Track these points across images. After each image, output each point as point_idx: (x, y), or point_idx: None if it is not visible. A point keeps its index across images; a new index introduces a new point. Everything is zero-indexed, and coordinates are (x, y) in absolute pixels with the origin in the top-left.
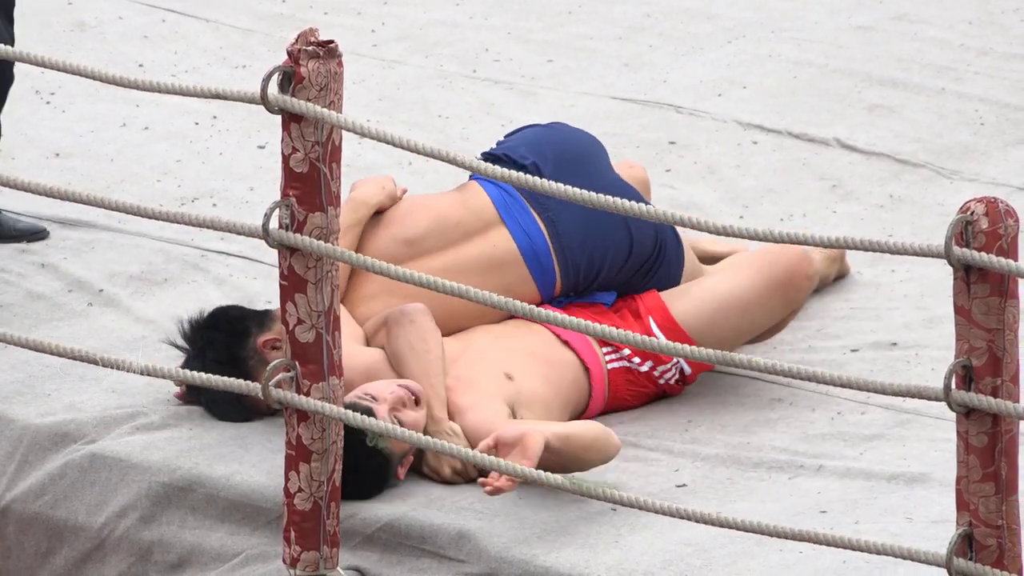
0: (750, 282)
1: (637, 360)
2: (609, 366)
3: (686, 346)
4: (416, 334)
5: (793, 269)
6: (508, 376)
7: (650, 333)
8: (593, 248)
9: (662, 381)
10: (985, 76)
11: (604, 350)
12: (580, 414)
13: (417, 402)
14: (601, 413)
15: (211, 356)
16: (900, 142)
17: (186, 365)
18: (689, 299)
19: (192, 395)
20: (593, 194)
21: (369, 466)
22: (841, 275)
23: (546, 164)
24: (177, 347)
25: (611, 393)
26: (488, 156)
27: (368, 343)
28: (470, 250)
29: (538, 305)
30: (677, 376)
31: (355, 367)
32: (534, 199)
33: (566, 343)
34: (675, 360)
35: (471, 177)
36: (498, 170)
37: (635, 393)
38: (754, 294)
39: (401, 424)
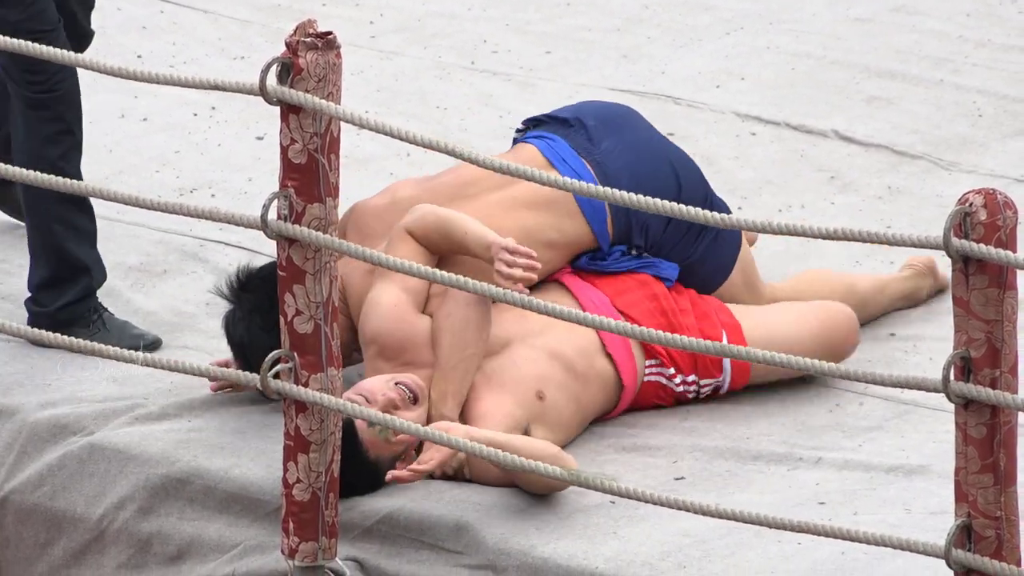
0: (810, 335)
1: (678, 380)
2: (646, 378)
3: (737, 347)
4: (463, 322)
5: (848, 339)
6: (539, 396)
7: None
8: (642, 189)
9: (691, 395)
10: (983, 68)
11: (648, 362)
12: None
13: (416, 400)
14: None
15: (257, 322)
16: (898, 133)
17: (229, 323)
18: (756, 327)
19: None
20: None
21: (359, 479)
22: (939, 288)
23: (589, 119)
24: (222, 295)
25: (633, 403)
26: (531, 119)
27: (427, 303)
28: (523, 187)
29: (596, 254)
30: (710, 391)
31: (393, 333)
32: (581, 147)
33: (608, 354)
34: (720, 378)
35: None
36: (499, 162)
37: (653, 402)
38: (807, 347)
39: None
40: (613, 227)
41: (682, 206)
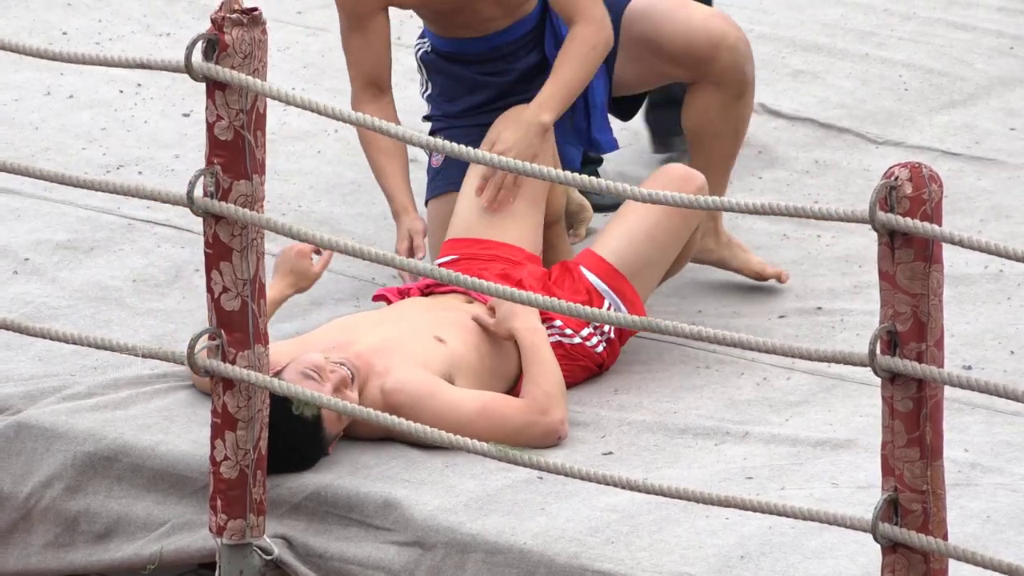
0: (652, 210)
1: (570, 331)
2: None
3: (611, 313)
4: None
5: (682, 188)
6: (439, 339)
7: (587, 284)
8: None
9: (600, 346)
10: (909, 41)
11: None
12: (512, 388)
13: (352, 381)
14: None
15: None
16: (825, 108)
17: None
18: (610, 239)
19: None
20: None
21: (301, 435)
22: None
23: None
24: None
25: None
26: None
27: None
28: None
29: None
30: (605, 344)
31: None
32: None
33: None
34: (609, 305)
35: None
36: (425, 138)
37: (570, 368)
38: (659, 220)
39: None
40: None
41: (606, 182)
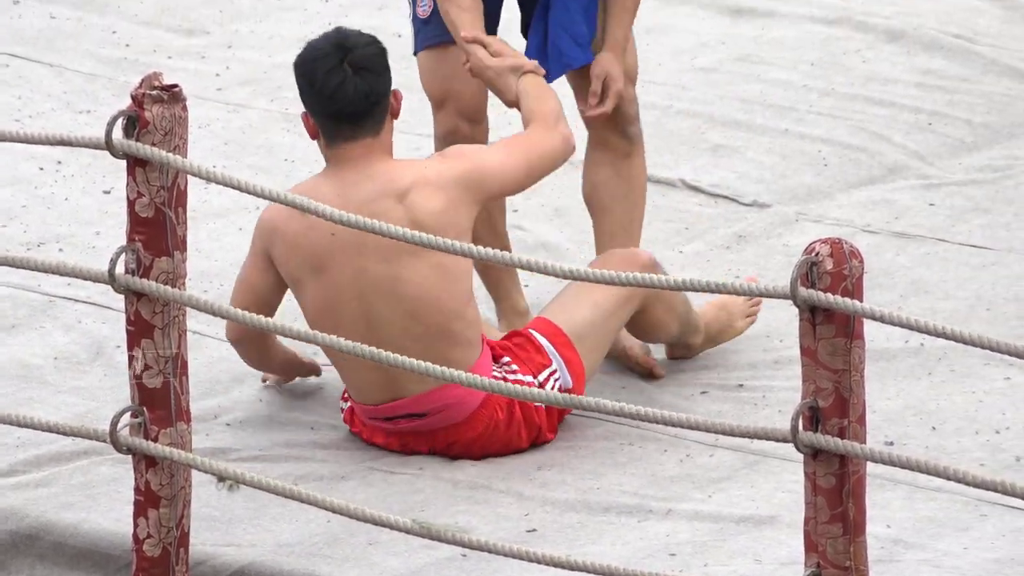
0: (615, 292)
1: (529, 378)
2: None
3: (534, 390)
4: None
5: (627, 267)
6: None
7: (535, 343)
8: None
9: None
10: (828, 117)
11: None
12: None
13: None
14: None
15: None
16: (744, 183)
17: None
18: (560, 306)
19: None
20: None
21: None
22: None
23: None
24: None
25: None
26: None
27: None
28: None
29: None
30: (557, 385)
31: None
32: None
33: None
34: (554, 367)
35: None
36: (358, 219)
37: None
38: (607, 294)
39: None
40: None
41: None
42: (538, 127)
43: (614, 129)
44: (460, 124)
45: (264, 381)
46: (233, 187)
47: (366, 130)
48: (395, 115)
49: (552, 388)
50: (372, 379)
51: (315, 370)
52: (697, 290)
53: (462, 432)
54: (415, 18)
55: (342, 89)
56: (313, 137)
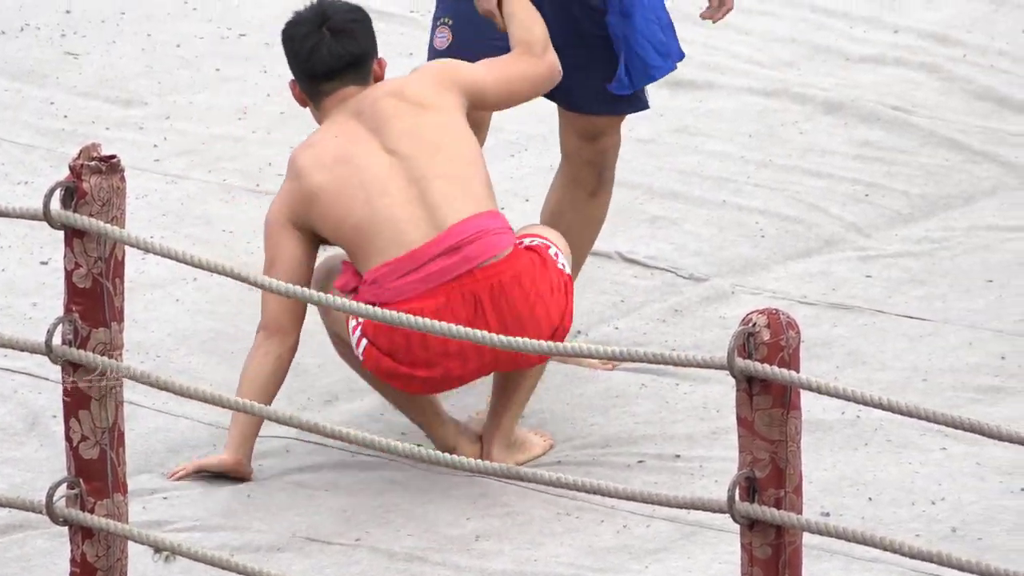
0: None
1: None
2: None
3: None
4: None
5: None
6: None
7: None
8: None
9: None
10: (765, 188)
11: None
12: None
13: None
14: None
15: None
16: (681, 255)
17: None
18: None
19: None
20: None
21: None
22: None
23: None
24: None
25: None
26: None
27: None
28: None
29: None
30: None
31: None
32: None
33: None
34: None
35: None
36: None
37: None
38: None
39: None
40: None
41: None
42: (525, 54)
43: (592, 168)
44: None
45: (171, 476)
46: (171, 258)
47: (347, 81)
48: (378, 80)
49: (559, 265)
50: (414, 216)
51: (242, 475)
52: (634, 360)
53: (501, 271)
54: (432, 49)
55: (317, 51)
56: (303, 105)
